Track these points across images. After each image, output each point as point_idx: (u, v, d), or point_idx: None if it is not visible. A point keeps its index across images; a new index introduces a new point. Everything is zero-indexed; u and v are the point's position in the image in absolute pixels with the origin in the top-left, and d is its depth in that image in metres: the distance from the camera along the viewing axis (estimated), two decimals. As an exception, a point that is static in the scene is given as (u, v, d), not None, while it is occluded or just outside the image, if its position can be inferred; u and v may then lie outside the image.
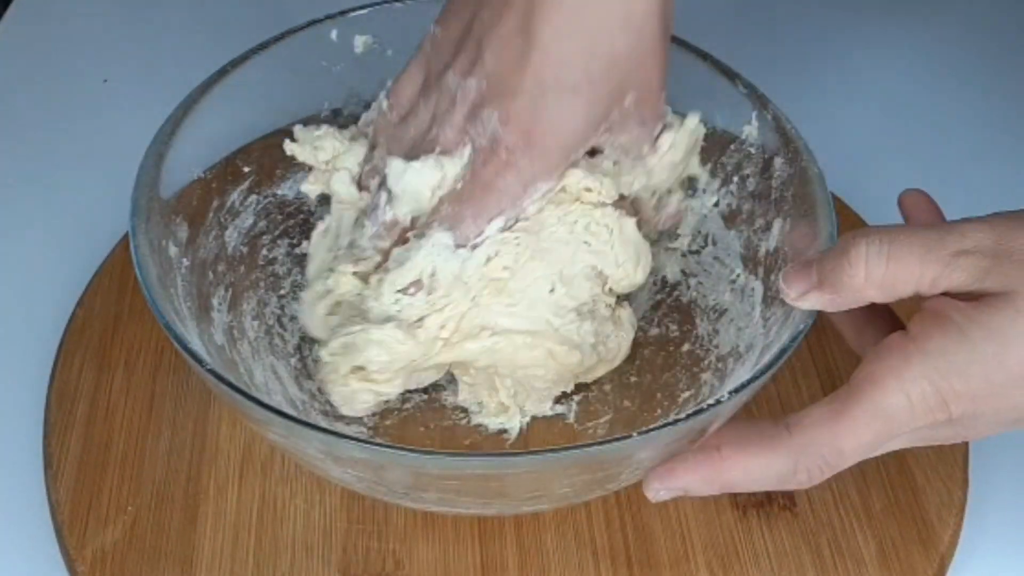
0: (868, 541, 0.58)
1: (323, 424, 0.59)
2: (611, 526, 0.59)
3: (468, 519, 0.58)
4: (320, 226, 0.63)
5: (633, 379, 0.63)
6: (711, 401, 0.50)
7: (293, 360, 0.63)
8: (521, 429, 0.61)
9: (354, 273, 0.60)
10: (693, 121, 0.62)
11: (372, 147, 0.62)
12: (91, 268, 0.69)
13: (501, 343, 0.59)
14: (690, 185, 0.66)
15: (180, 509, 0.59)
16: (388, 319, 0.57)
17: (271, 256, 0.65)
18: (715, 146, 0.64)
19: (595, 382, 0.63)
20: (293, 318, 0.65)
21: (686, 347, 0.63)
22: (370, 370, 0.58)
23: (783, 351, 0.52)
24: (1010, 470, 0.63)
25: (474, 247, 0.57)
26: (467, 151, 0.58)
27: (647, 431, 0.49)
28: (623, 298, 0.63)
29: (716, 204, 0.65)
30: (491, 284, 0.58)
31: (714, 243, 0.65)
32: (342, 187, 0.62)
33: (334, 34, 0.66)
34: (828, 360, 0.65)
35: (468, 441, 0.61)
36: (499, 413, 0.61)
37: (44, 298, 0.69)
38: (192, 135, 0.60)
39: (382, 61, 0.67)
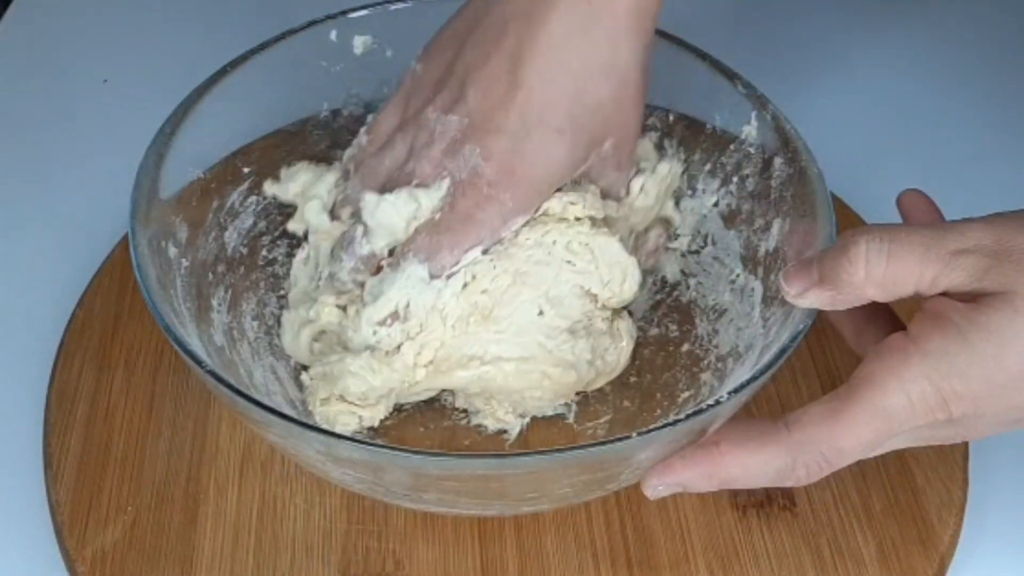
0: (868, 541, 0.58)
1: (322, 425, 0.59)
2: (611, 527, 0.59)
3: (468, 520, 0.58)
4: (300, 254, 0.63)
5: (633, 379, 0.63)
6: (711, 401, 0.50)
7: (293, 361, 0.63)
8: (521, 430, 0.61)
9: (336, 304, 0.60)
10: (665, 168, 0.64)
11: (345, 177, 0.62)
12: (91, 268, 0.69)
13: (491, 371, 0.59)
14: (689, 185, 0.66)
15: (180, 509, 0.59)
16: (368, 348, 0.58)
17: (271, 257, 0.65)
18: (715, 146, 0.64)
19: (595, 382, 0.63)
20: (293, 319, 0.65)
21: (686, 347, 0.63)
22: (348, 398, 0.58)
23: (783, 351, 0.52)
24: (1010, 470, 0.63)
25: (449, 276, 0.58)
26: (445, 184, 0.58)
27: (647, 431, 0.49)
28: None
29: (716, 204, 0.65)
30: (476, 312, 0.58)
31: (714, 243, 0.65)
32: (313, 216, 0.62)
33: (334, 34, 0.66)
34: (828, 360, 0.65)
35: (468, 441, 0.61)
36: (498, 418, 0.61)
37: (44, 298, 0.69)
38: (192, 135, 0.60)
39: (382, 62, 0.67)
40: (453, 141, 0.58)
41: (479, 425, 0.61)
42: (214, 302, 0.60)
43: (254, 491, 0.60)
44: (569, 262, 0.59)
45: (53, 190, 0.76)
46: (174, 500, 0.59)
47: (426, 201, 0.58)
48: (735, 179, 0.64)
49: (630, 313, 0.64)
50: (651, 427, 0.49)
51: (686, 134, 0.66)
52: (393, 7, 0.66)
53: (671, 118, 0.66)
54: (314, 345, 0.61)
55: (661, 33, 0.61)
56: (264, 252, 0.65)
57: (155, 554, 0.57)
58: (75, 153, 0.79)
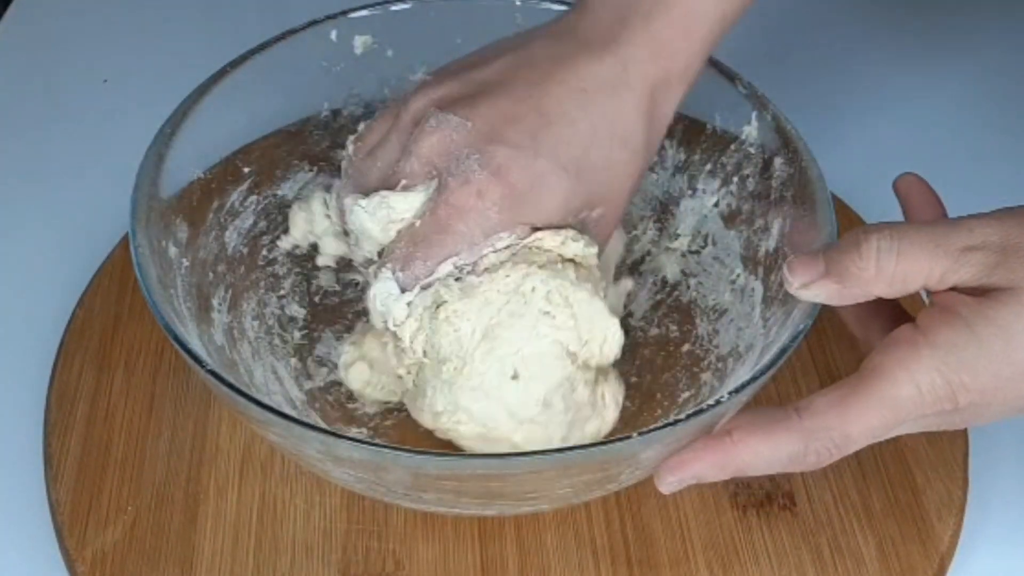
0: (868, 541, 0.58)
1: (322, 425, 0.59)
2: (611, 526, 0.59)
3: (468, 519, 0.58)
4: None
5: (633, 379, 0.63)
6: (711, 401, 0.50)
7: (293, 360, 0.63)
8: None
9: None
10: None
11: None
12: (91, 268, 0.69)
13: (453, 432, 0.57)
14: (690, 185, 0.66)
15: (180, 510, 0.59)
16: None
17: (271, 256, 0.65)
18: (715, 146, 0.64)
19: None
20: (292, 319, 0.65)
21: (686, 347, 0.63)
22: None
23: (783, 351, 0.52)
24: (1010, 470, 0.63)
25: (423, 287, 0.56)
26: (433, 184, 0.56)
27: (647, 431, 0.49)
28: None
29: (716, 204, 0.65)
30: (452, 361, 0.56)
31: (714, 243, 0.65)
32: (331, 247, 0.62)
33: (334, 34, 0.66)
34: (828, 360, 0.65)
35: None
36: None
37: (44, 298, 0.69)
38: (192, 135, 0.60)
39: (382, 61, 0.67)
40: (449, 140, 0.56)
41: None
42: (214, 302, 0.60)
43: (254, 491, 0.60)
44: (547, 313, 0.55)
45: (53, 190, 0.76)
46: (174, 500, 0.59)
47: (403, 205, 0.56)
48: (735, 179, 0.64)
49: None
50: (651, 427, 0.49)
51: (686, 134, 0.66)
52: (393, 7, 0.66)
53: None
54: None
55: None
56: (264, 252, 0.65)
57: (155, 554, 0.57)
58: (75, 153, 0.79)
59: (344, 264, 0.67)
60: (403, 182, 0.57)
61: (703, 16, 0.57)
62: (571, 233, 0.57)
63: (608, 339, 0.56)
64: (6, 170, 0.78)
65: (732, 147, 0.64)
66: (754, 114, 0.62)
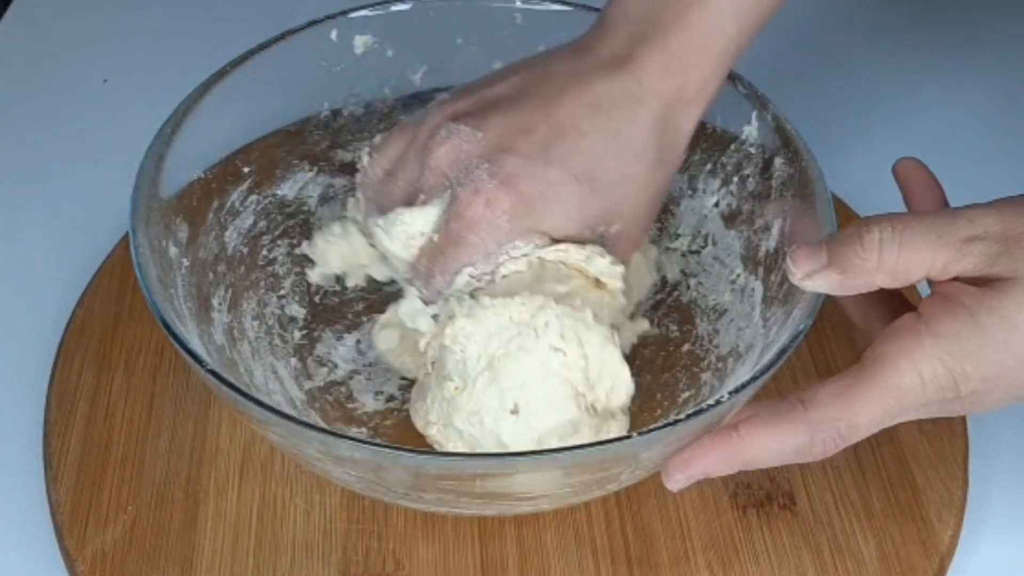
0: (868, 541, 0.58)
1: (322, 424, 0.59)
2: (611, 526, 0.59)
3: (468, 519, 0.58)
4: None
5: (633, 379, 0.63)
6: (711, 401, 0.50)
7: (293, 360, 0.63)
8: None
9: None
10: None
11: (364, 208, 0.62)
12: (91, 268, 0.69)
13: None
14: (690, 185, 0.66)
15: (180, 509, 0.59)
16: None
17: (271, 256, 0.65)
18: (715, 146, 0.64)
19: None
20: (292, 319, 0.65)
21: (686, 347, 0.63)
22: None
23: (783, 351, 0.52)
24: (1010, 470, 0.63)
25: (446, 299, 0.57)
26: (447, 196, 0.57)
27: (647, 431, 0.49)
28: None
29: (716, 204, 0.65)
30: (454, 380, 0.55)
31: (714, 243, 0.65)
32: (379, 272, 0.63)
33: (334, 34, 0.66)
34: (828, 360, 0.65)
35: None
36: None
37: (44, 298, 0.69)
38: (192, 135, 0.60)
39: (382, 62, 0.67)
40: (459, 151, 0.56)
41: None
42: (214, 301, 0.60)
43: (254, 491, 0.60)
44: (558, 350, 0.54)
45: (53, 190, 0.76)
46: (174, 500, 0.59)
47: (420, 220, 0.57)
48: (735, 179, 0.64)
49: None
50: (651, 427, 0.49)
51: (686, 134, 0.66)
52: (394, 7, 0.66)
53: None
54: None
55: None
56: (264, 252, 0.65)
57: (155, 554, 0.57)
58: (75, 153, 0.79)
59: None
60: (421, 197, 0.58)
61: (719, 32, 0.57)
62: (597, 249, 0.57)
63: (616, 387, 0.56)
64: (6, 170, 0.78)
65: (732, 147, 0.64)
66: (754, 114, 0.62)
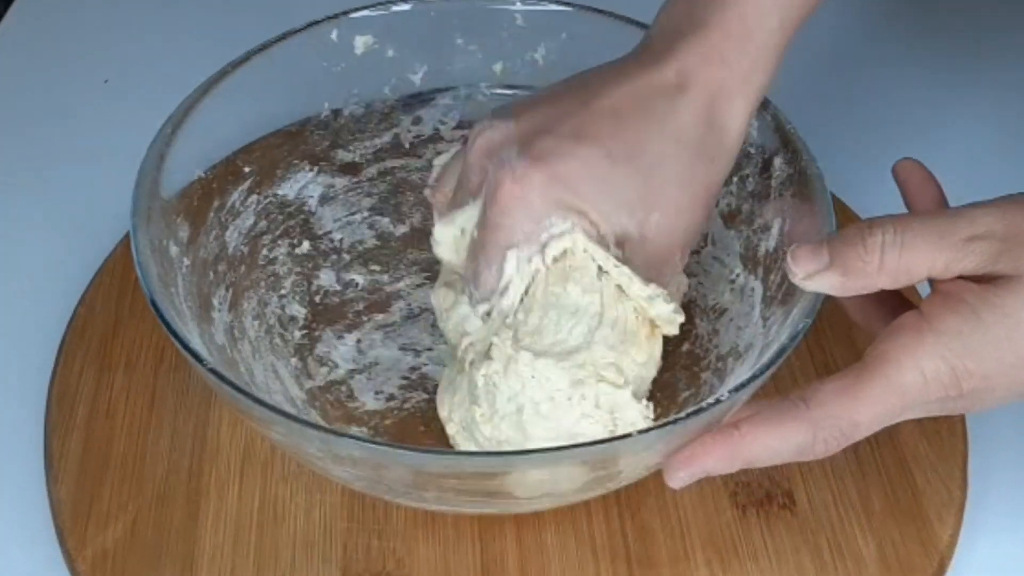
0: (868, 541, 0.58)
1: (323, 423, 0.59)
2: (611, 525, 0.59)
3: (468, 518, 0.58)
4: None
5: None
6: (711, 400, 0.50)
7: (293, 360, 0.63)
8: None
9: None
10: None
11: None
12: (92, 268, 0.69)
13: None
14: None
15: (181, 509, 0.59)
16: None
17: (271, 256, 0.65)
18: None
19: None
20: (293, 318, 0.65)
21: (686, 347, 0.63)
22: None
23: (782, 350, 0.52)
24: (1010, 470, 0.63)
25: (502, 294, 0.56)
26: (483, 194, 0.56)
27: (647, 430, 0.49)
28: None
29: (716, 204, 0.65)
30: (481, 408, 0.54)
31: (714, 243, 0.65)
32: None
33: (334, 34, 0.66)
34: (827, 359, 0.65)
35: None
36: None
37: (45, 298, 0.69)
38: (192, 135, 0.60)
39: (382, 61, 0.67)
40: (492, 141, 0.56)
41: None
42: (215, 301, 0.61)
43: (255, 490, 0.60)
44: (588, 416, 0.54)
45: (53, 190, 0.76)
46: (175, 499, 0.59)
47: (461, 219, 0.57)
48: (735, 179, 0.64)
49: None
50: (651, 426, 0.49)
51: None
52: (394, 7, 0.66)
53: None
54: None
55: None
56: (265, 251, 0.65)
57: (156, 554, 0.57)
58: (75, 153, 0.79)
59: (343, 264, 0.67)
60: (470, 200, 0.57)
61: (758, 25, 0.56)
62: (663, 293, 0.56)
63: None
64: (6, 170, 0.78)
65: (732, 147, 0.64)
66: (754, 114, 0.62)
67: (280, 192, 0.67)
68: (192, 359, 0.51)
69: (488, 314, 0.57)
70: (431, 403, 0.62)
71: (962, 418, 0.63)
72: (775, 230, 0.60)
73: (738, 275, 0.63)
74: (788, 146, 0.60)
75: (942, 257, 0.49)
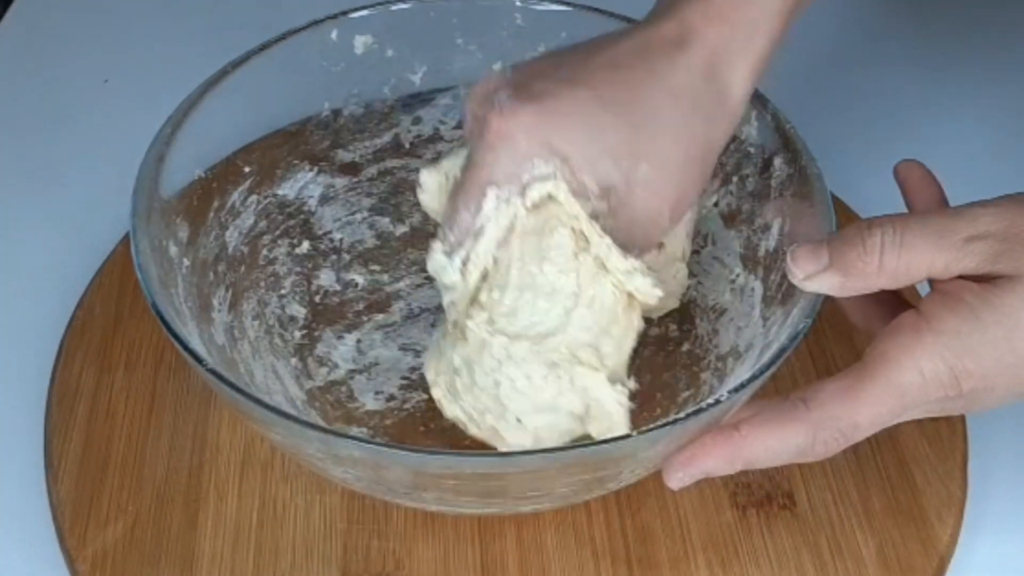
0: (868, 541, 0.58)
1: (323, 424, 0.59)
2: (611, 525, 0.59)
3: (468, 519, 0.58)
4: None
5: (633, 379, 0.63)
6: (710, 400, 0.50)
7: (293, 360, 0.63)
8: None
9: None
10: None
11: None
12: (92, 268, 0.69)
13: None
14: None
15: (181, 509, 0.59)
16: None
17: (271, 256, 0.65)
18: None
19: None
20: (293, 318, 0.65)
21: (686, 347, 0.63)
22: None
23: (782, 351, 0.52)
24: (1009, 470, 0.63)
25: (477, 235, 0.54)
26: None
27: (647, 431, 0.49)
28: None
29: (716, 204, 0.65)
30: (462, 377, 0.55)
31: (714, 243, 0.65)
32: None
33: (334, 34, 0.66)
34: (827, 359, 0.65)
35: (468, 440, 0.61)
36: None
37: (45, 298, 0.69)
38: (192, 135, 0.60)
39: (382, 61, 0.67)
40: (487, 88, 0.55)
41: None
42: (215, 301, 0.60)
43: (254, 491, 0.60)
44: (563, 394, 0.54)
45: (53, 190, 0.76)
46: (175, 500, 0.59)
47: (447, 164, 0.57)
48: (735, 179, 0.64)
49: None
50: (651, 426, 0.49)
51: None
52: (394, 7, 0.66)
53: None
54: None
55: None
56: (265, 251, 0.65)
57: (156, 554, 0.57)
58: (75, 153, 0.79)
59: (343, 264, 0.67)
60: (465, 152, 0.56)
61: None
62: (641, 266, 0.55)
63: (613, 428, 0.55)
64: (6, 170, 0.78)
65: (732, 147, 0.64)
66: (754, 114, 0.62)
67: (280, 192, 0.67)
68: (192, 360, 0.51)
69: (464, 264, 0.55)
70: (431, 403, 0.62)
71: (962, 418, 0.63)
72: (775, 230, 0.60)
73: (738, 275, 0.63)
74: (788, 146, 0.60)
75: (942, 257, 0.49)
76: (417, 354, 0.64)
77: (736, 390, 0.51)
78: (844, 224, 0.53)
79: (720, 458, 0.51)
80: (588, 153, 0.54)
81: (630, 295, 0.56)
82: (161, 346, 0.65)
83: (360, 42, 0.66)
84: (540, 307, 0.54)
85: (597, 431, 0.54)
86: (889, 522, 0.59)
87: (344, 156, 0.69)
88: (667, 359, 0.63)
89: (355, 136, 0.68)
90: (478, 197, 0.54)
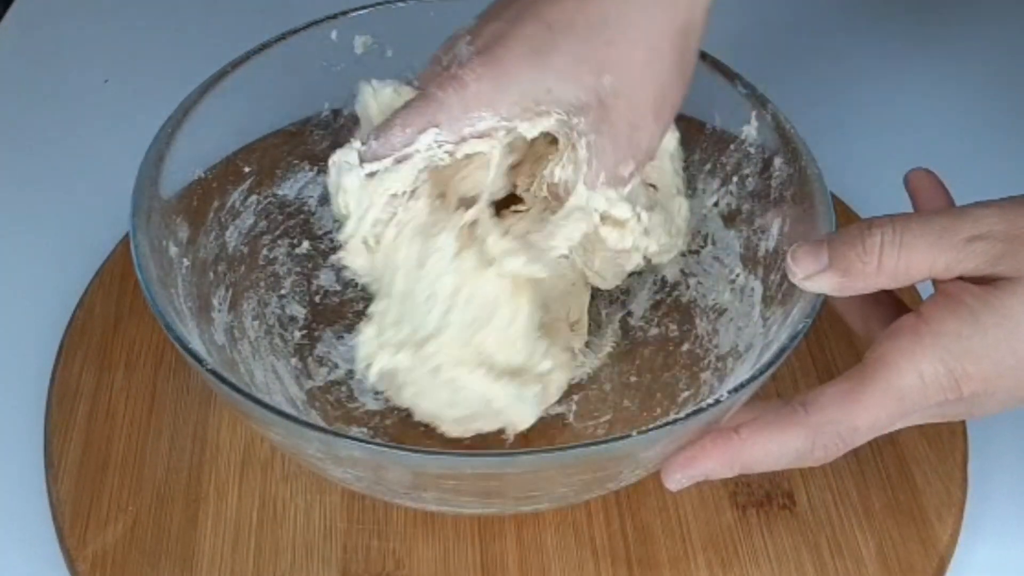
0: (868, 540, 0.58)
1: (323, 424, 0.59)
2: (611, 525, 0.59)
3: (468, 518, 0.58)
4: None
5: (633, 379, 0.63)
6: (710, 400, 0.50)
7: (293, 360, 0.63)
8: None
9: None
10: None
11: None
12: (92, 268, 0.69)
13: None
14: (689, 185, 0.66)
15: (181, 509, 0.59)
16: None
17: (271, 256, 0.65)
18: (715, 146, 0.64)
19: (595, 382, 0.63)
20: (293, 318, 0.65)
21: (686, 347, 0.63)
22: None
23: (782, 350, 0.52)
24: (1010, 470, 0.63)
25: (399, 161, 0.54)
26: None
27: (647, 431, 0.49)
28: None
29: (716, 204, 0.65)
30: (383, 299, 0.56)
31: (713, 243, 0.65)
32: None
33: (334, 34, 0.66)
34: (828, 360, 0.65)
35: (468, 440, 0.61)
36: None
37: (45, 298, 0.69)
38: (192, 135, 0.60)
39: (382, 61, 0.67)
40: (451, 40, 0.55)
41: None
42: (215, 301, 0.61)
43: (254, 491, 0.60)
44: (457, 395, 0.56)
45: (53, 190, 0.76)
46: (175, 499, 0.59)
47: (399, 100, 0.57)
48: (735, 179, 0.64)
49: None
50: (651, 426, 0.49)
51: (686, 134, 0.66)
52: (394, 7, 0.66)
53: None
54: None
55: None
56: (264, 251, 0.65)
57: (156, 553, 0.57)
58: (75, 153, 0.79)
59: (343, 264, 0.67)
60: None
61: None
62: (618, 196, 0.55)
63: (516, 423, 0.57)
64: (6, 170, 0.78)
65: (732, 147, 0.64)
66: (753, 114, 0.62)
67: (280, 192, 0.67)
68: (192, 360, 0.51)
69: (370, 176, 0.54)
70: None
71: (962, 418, 0.63)
72: (775, 230, 0.60)
73: (738, 275, 0.63)
74: (788, 146, 0.60)
75: (943, 257, 0.49)
76: (417, 354, 0.64)
77: (736, 390, 0.50)
78: (844, 224, 0.53)
79: (719, 461, 0.51)
80: (545, 84, 0.53)
81: (583, 275, 0.58)
82: (161, 346, 0.65)
83: (360, 42, 0.66)
84: (420, 312, 0.55)
85: (504, 426, 0.57)
86: (889, 522, 0.59)
87: (344, 156, 0.69)
88: (667, 359, 0.63)
89: (355, 136, 0.68)
90: (419, 125, 0.54)
